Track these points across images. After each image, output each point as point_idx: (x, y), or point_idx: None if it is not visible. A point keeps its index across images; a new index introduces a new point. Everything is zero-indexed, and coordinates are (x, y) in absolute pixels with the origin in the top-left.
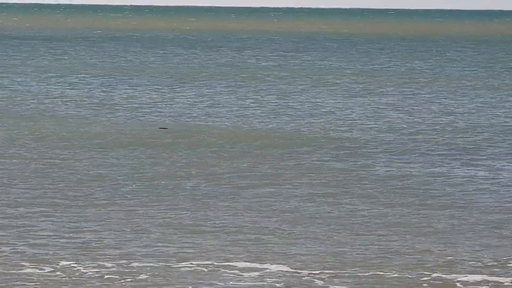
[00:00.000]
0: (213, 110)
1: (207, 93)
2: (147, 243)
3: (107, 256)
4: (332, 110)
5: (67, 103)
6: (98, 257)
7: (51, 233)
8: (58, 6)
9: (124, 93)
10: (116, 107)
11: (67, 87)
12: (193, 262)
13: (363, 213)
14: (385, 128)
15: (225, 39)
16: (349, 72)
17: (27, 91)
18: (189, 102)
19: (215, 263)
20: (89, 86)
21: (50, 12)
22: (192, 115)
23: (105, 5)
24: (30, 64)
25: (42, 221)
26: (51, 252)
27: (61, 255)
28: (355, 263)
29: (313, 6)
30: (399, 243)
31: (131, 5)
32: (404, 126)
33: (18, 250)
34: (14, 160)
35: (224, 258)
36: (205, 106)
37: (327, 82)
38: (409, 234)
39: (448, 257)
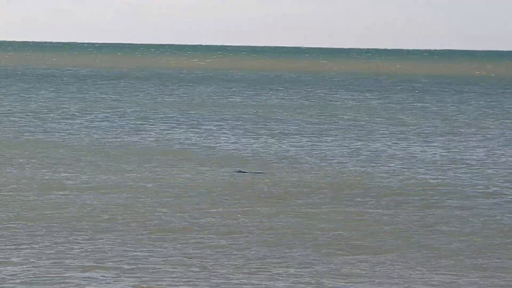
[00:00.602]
0: (295, 149)
1: (288, 131)
2: (211, 284)
3: None
4: (409, 150)
5: (148, 140)
6: None
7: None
8: (150, 46)
9: (207, 129)
10: (196, 148)
11: (147, 125)
12: None
13: (443, 251)
14: (463, 170)
15: (313, 79)
16: (432, 112)
17: (118, 128)
18: (269, 141)
19: None
20: (173, 124)
21: (140, 51)
22: (271, 153)
23: (199, 45)
24: (124, 101)
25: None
26: None
27: None
28: None
29: (409, 47)
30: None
31: (230, 46)
32: (482, 167)
33: None
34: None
35: None
36: (287, 146)
37: (405, 122)
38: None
39: None
